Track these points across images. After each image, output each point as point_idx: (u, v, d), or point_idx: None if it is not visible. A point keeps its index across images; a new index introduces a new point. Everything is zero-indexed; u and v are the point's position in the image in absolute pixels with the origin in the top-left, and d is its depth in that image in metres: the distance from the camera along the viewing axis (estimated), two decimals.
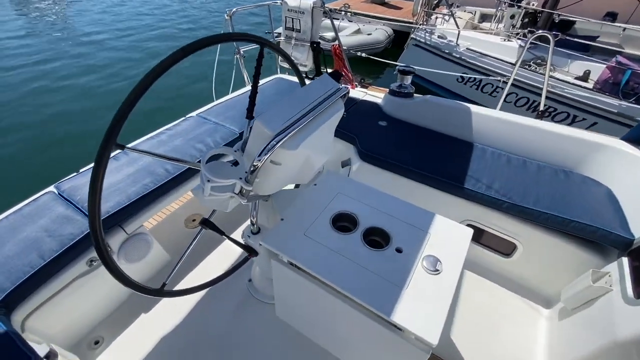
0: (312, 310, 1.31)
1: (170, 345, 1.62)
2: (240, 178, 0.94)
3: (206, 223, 1.14)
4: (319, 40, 2.97)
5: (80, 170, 1.83)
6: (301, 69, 3.17)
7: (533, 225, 1.67)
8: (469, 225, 1.86)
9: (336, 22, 9.53)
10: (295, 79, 2.98)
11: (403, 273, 1.08)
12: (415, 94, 2.44)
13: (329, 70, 3.20)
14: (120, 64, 7.98)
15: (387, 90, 2.51)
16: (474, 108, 2.14)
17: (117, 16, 11.81)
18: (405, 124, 2.32)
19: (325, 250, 1.13)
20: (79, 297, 1.60)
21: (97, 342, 1.67)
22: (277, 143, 0.88)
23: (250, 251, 1.27)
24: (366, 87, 3.15)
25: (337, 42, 3.03)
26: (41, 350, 1.27)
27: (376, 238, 1.22)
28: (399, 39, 8.84)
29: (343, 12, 9.91)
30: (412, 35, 7.24)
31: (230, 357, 1.55)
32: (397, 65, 2.64)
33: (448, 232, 1.23)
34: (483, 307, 1.76)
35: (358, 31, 9.21)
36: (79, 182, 1.74)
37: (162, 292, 1.12)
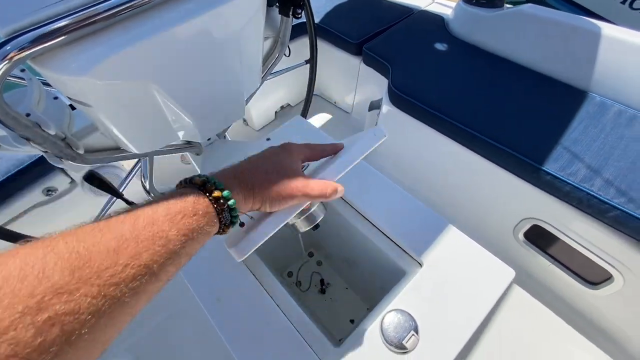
0: None
1: None
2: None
3: (90, 179, 0.76)
4: None
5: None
6: None
7: None
8: (533, 225, 1.19)
9: None
10: None
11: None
12: (507, 4, 1.54)
13: None
14: None
15: None
16: (608, 29, 1.23)
17: None
18: (478, 51, 1.51)
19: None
20: (36, 230, 1.50)
21: None
22: (15, 54, 0.41)
23: None
24: None
25: None
26: None
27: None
28: None
29: None
30: None
31: None
32: None
33: (462, 259, 0.66)
34: (532, 344, 1.18)
35: None
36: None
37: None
